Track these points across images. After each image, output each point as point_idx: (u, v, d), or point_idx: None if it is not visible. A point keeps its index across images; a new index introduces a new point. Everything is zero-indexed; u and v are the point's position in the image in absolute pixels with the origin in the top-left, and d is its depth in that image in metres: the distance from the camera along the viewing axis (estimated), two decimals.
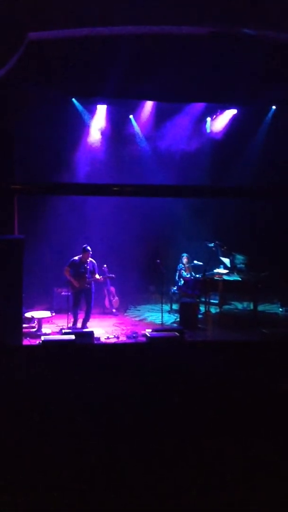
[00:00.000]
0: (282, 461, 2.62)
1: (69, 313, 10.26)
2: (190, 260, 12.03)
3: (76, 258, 10.31)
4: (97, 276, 10.48)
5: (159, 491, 2.40)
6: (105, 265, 11.31)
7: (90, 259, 10.39)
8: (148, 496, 2.40)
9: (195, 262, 12.04)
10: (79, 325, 10.33)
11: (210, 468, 2.57)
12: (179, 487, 2.43)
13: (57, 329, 10.21)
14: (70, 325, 10.25)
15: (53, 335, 9.69)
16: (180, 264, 11.93)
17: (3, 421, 2.63)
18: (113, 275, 11.32)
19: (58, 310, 11.20)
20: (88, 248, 10.31)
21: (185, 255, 12.00)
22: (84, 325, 10.36)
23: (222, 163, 13.07)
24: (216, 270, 11.85)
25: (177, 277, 11.91)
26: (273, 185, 11.55)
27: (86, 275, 10.28)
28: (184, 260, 11.94)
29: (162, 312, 10.86)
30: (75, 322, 10.37)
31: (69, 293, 10.59)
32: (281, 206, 12.57)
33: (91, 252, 10.37)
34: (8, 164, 9.59)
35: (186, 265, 11.92)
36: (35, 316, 10.10)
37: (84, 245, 10.35)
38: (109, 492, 2.40)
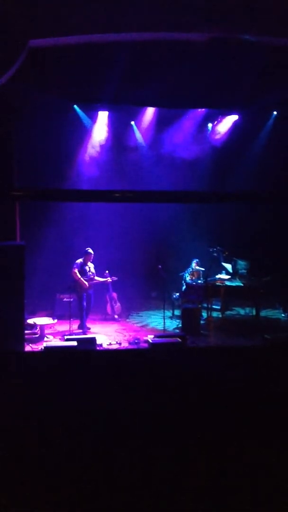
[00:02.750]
0: (286, 465, 2.60)
1: (71, 320, 10.27)
2: (199, 265, 12.04)
3: (80, 260, 10.63)
4: (98, 278, 10.86)
5: (163, 498, 2.38)
6: (107, 271, 11.33)
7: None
8: (151, 503, 2.38)
9: (197, 267, 12.04)
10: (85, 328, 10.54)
11: (214, 473, 2.55)
12: (182, 493, 2.41)
13: (59, 335, 10.21)
14: (76, 330, 10.40)
15: (55, 341, 9.71)
16: (189, 269, 11.94)
17: (4, 427, 2.62)
18: (115, 278, 11.41)
19: (60, 316, 11.20)
20: (90, 250, 10.66)
21: (196, 260, 12.00)
22: (84, 326, 10.52)
23: (224, 169, 13.08)
24: (218, 276, 11.84)
25: (183, 282, 11.91)
26: (275, 190, 11.53)
27: (90, 277, 10.66)
28: (194, 265, 11.94)
29: (164, 318, 10.84)
30: (83, 326, 10.50)
31: (72, 299, 10.70)
32: (282, 211, 12.56)
33: (92, 254, 10.67)
34: (8, 170, 9.62)
35: (195, 270, 11.93)
36: (37, 323, 10.10)
37: (86, 248, 10.69)
38: (110, 499, 2.39)
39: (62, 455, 2.57)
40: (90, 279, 10.65)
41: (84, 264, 10.62)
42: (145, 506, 2.38)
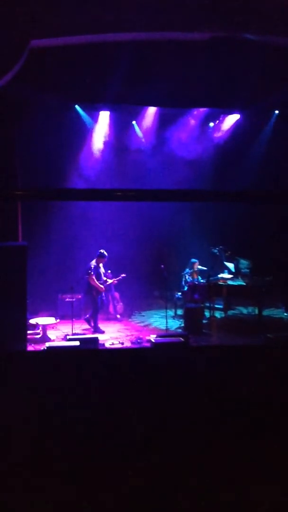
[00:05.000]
0: (286, 466, 2.59)
1: (73, 320, 10.28)
2: (200, 265, 12.03)
3: (93, 263, 10.58)
4: (109, 280, 10.96)
5: (162, 499, 2.38)
6: (109, 271, 11.34)
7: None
8: (151, 503, 2.38)
9: (199, 267, 12.02)
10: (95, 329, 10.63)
11: (214, 473, 2.54)
12: (182, 494, 2.41)
13: (61, 335, 10.22)
14: (90, 328, 10.55)
15: (57, 341, 9.71)
16: (187, 269, 11.91)
17: (5, 427, 2.62)
18: (124, 275, 11.42)
19: (62, 316, 11.20)
20: (105, 253, 10.68)
21: (195, 260, 11.98)
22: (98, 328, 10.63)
23: (225, 168, 13.07)
24: (221, 275, 11.83)
25: (183, 282, 11.89)
26: (277, 189, 11.52)
27: (104, 280, 10.76)
28: (194, 265, 11.92)
29: (166, 318, 10.83)
30: (97, 329, 10.55)
31: (74, 299, 10.70)
32: (285, 211, 12.55)
33: (107, 256, 10.71)
34: (10, 170, 9.63)
35: (195, 270, 11.91)
36: (39, 323, 10.10)
37: (100, 250, 10.68)
38: (111, 500, 2.39)
39: (64, 454, 2.56)
40: (104, 282, 10.66)
41: (98, 267, 10.62)
42: (145, 507, 2.37)
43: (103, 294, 10.78)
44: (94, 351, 8.34)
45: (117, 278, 11.20)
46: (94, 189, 11.67)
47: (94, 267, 10.54)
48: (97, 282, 10.48)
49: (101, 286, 10.54)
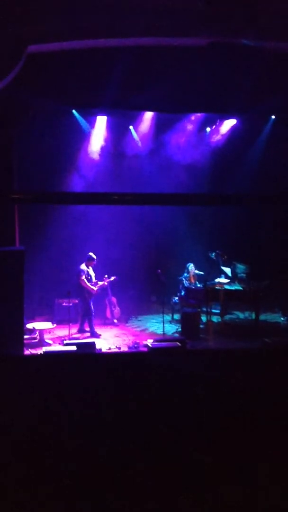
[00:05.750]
0: (284, 467, 2.60)
1: (70, 324, 10.27)
2: (197, 269, 12.03)
3: (84, 266, 10.66)
4: (100, 282, 10.95)
5: (162, 499, 2.38)
6: (106, 275, 11.33)
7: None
8: (151, 504, 2.37)
9: (196, 272, 12.03)
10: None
11: (212, 476, 2.54)
12: (182, 495, 2.41)
13: (58, 340, 10.21)
14: (75, 334, 10.28)
15: (54, 346, 9.70)
16: (184, 274, 11.91)
17: (3, 431, 2.61)
18: (114, 277, 11.44)
19: (59, 321, 11.18)
20: (93, 255, 10.77)
21: (191, 264, 11.98)
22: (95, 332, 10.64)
23: (221, 173, 13.09)
24: (217, 280, 11.83)
25: (180, 287, 11.88)
26: (274, 192, 11.55)
27: (94, 282, 10.79)
28: (191, 270, 11.92)
29: (163, 322, 10.83)
30: (94, 332, 10.58)
31: (71, 304, 10.73)
32: (281, 215, 12.58)
33: (95, 259, 10.78)
34: (7, 174, 9.64)
35: (192, 274, 11.91)
36: (36, 327, 10.09)
37: (89, 253, 10.80)
38: (111, 501, 2.38)
39: (63, 458, 2.56)
40: (95, 284, 10.70)
41: (87, 270, 10.70)
42: (144, 508, 2.37)
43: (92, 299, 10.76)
44: (91, 355, 8.35)
45: (107, 280, 11.20)
46: (92, 192, 11.70)
47: (84, 270, 10.62)
48: (88, 284, 10.54)
49: (93, 287, 10.60)
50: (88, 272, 10.66)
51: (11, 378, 2.97)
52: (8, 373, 3.03)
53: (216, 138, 13.12)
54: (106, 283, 11.18)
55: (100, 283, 10.94)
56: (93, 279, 10.79)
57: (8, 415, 2.73)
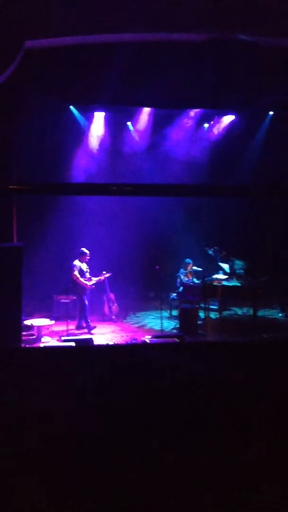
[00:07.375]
0: (283, 464, 2.59)
1: (68, 321, 10.27)
2: (195, 265, 12.04)
3: (77, 262, 10.68)
4: (94, 278, 10.98)
5: (162, 499, 2.37)
6: (104, 272, 11.33)
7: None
8: (148, 503, 2.37)
9: (194, 268, 12.03)
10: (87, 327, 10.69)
11: (211, 472, 2.54)
12: (182, 495, 2.40)
13: (56, 337, 10.21)
14: (73, 330, 10.30)
15: (52, 342, 9.70)
16: (182, 270, 11.91)
17: (2, 426, 2.60)
18: (109, 273, 11.45)
19: (57, 317, 11.19)
20: (86, 250, 10.79)
21: (188, 260, 11.98)
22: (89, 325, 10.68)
23: (219, 169, 13.08)
24: (215, 276, 11.83)
25: (178, 283, 11.88)
26: (273, 183, 11.54)
27: (88, 277, 10.80)
28: (189, 266, 11.92)
29: (161, 319, 10.84)
30: (90, 327, 10.63)
31: (69, 300, 10.73)
32: (280, 211, 12.59)
33: (88, 254, 10.81)
34: (5, 168, 9.62)
35: (190, 270, 11.91)
36: (34, 324, 10.08)
37: (81, 248, 10.84)
38: (109, 499, 2.38)
39: (61, 452, 2.55)
40: (88, 279, 10.73)
41: (80, 265, 10.72)
42: (143, 507, 2.37)
43: (88, 293, 10.79)
44: (89, 348, 8.34)
45: (103, 276, 11.19)
46: (90, 183, 11.71)
47: (77, 265, 10.66)
48: (81, 279, 10.57)
49: (86, 283, 10.64)
50: (80, 267, 10.67)
51: (8, 370, 2.95)
52: (6, 365, 3.01)
53: (214, 134, 13.11)
54: (102, 279, 11.16)
55: (95, 278, 10.93)
56: (87, 275, 10.79)
57: (5, 410, 2.72)
